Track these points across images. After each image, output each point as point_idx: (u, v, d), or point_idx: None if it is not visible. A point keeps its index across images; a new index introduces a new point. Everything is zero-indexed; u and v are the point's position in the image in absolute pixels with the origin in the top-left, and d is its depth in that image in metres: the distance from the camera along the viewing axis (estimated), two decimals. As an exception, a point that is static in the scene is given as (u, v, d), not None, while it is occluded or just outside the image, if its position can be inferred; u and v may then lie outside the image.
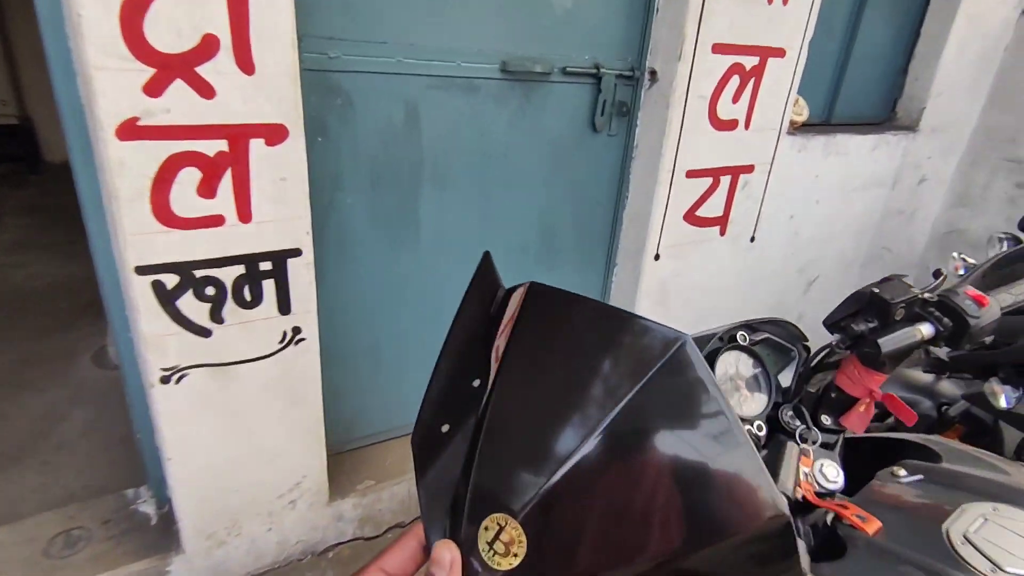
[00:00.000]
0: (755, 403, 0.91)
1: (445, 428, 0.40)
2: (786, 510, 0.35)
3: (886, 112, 2.85)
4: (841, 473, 0.85)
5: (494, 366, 0.40)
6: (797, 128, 2.32)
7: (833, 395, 0.91)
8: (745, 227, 2.33)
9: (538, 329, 0.40)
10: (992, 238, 2.46)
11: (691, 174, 2.05)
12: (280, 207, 1.32)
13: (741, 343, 0.90)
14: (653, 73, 1.91)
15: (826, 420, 0.91)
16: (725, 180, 2.16)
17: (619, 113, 1.96)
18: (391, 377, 1.91)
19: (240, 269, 1.32)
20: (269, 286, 1.37)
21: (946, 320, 0.86)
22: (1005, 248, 2.33)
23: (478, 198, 1.81)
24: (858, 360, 0.87)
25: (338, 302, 1.66)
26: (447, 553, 0.36)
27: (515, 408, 0.38)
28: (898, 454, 0.90)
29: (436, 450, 0.40)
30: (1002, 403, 1.57)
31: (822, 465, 0.86)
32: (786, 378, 0.97)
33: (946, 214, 3.15)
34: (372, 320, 1.78)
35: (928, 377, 2.01)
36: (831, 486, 0.84)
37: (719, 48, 1.88)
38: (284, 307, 1.42)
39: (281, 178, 1.30)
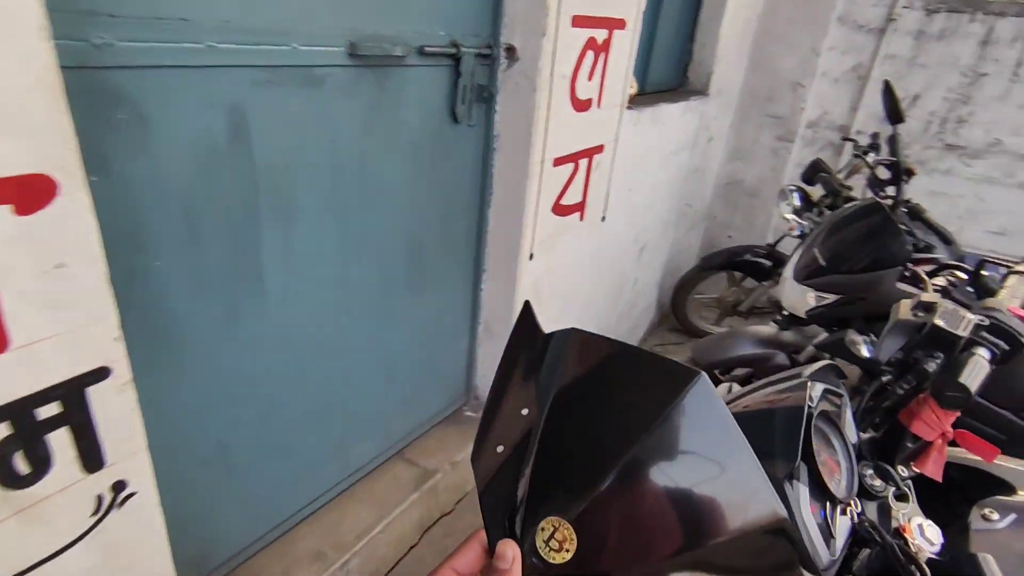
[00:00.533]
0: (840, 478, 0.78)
1: (500, 449, 0.48)
2: (783, 513, 0.42)
3: (679, 79, 3.02)
4: (939, 532, 0.76)
5: (541, 398, 0.47)
6: (631, 102, 2.28)
7: (910, 444, 0.81)
8: (597, 208, 2.25)
9: (579, 368, 0.48)
10: (784, 191, 2.77)
11: (557, 162, 1.86)
12: (61, 312, 0.78)
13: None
14: (511, 50, 1.64)
15: (902, 471, 0.81)
16: (583, 164, 2.02)
17: (479, 99, 1.66)
18: (250, 477, 1.41)
19: (1, 429, 0.76)
20: (60, 439, 0.83)
21: (1002, 344, 0.81)
22: (797, 202, 2.65)
23: (333, 228, 1.38)
24: (935, 402, 0.78)
25: (162, 411, 1.12)
26: (509, 551, 0.43)
27: (563, 432, 0.46)
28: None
29: (492, 467, 0.48)
30: (864, 352, 1.73)
31: (920, 527, 0.76)
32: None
33: (726, 168, 3.52)
34: (213, 417, 1.27)
35: (771, 328, 2.19)
36: (933, 549, 0.74)
37: (578, 21, 1.69)
38: (92, 461, 0.88)
39: (56, 264, 0.75)
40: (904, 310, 0.87)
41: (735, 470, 0.42)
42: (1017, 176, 2.95)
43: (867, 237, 1.76)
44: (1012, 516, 0.77)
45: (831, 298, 1.84)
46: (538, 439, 0.45)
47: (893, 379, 0.84)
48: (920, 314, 0.83)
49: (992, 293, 1.55)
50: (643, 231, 2.82)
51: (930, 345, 0.78)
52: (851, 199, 2.57)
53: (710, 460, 0.43)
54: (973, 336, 0.82)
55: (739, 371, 2.27)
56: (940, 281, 1.70)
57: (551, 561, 0.43)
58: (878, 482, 0.81)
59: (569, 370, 0.48)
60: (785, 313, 2.10)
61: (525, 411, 0.48)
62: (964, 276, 1.64)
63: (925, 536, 0.76)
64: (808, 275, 1.87)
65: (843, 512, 0.74)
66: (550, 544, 0.43)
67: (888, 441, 0.82)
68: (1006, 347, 0.81)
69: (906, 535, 0.76)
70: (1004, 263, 1.82)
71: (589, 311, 2.52)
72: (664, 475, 0.42)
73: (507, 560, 0.43)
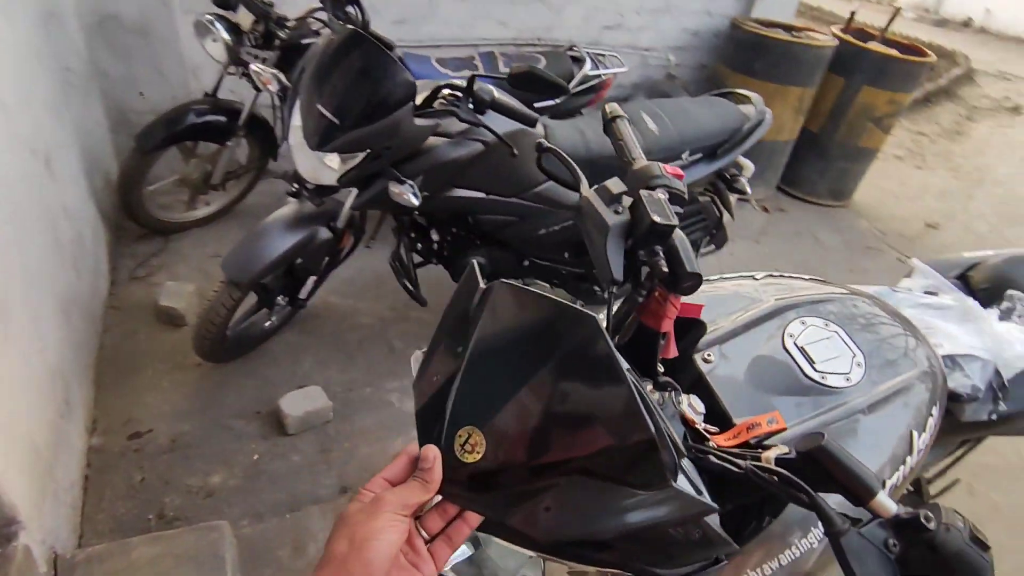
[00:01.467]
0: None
1: (435, 378, 0.60)
2: (651, 434, 0.51)
3: None
4: (698, 400, 0.81)
5: (470, 338, 0.58)
6: None
7: (662, 341, 0.78)
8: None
9: (500, 312, 0.58)
10: (200, 23, 2.19)
11: None
12: None
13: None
14: None
15: (660, 367, 0.79)
16: None
17: None
18: None
19: None
20: None
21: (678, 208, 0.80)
22: (225, 34, 2.14)
23: None
24: (672, 295, 0.75)
25: None
26: (431, 453, 0.55)
27: (483, 363, 0.57)
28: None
29: (428, 392, 0.60)
30: (412, 200, 1.68)
31: (688, 400, 0.79)
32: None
33: (86, 1, 2.49)
34: None
35: (294, 206, 1.90)
36: (700, 416, 0.79)
37: None
38: None
39: None
40: (594, 209, 0.76)
41: (613, 394, 0.52)
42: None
43: (363, 77, 1.55)
44: (716, 348, 0.87)
45: (358, 156, 1.64)
46: (463, 368, 0.57)
47: (632, 288, 0.77)
48: (617, 210, 0.74)
49: (484, 104, 1.64)
50: (36, 132, 1.83)
51: (649, 242, 0.72)
52: (285, 21, 2.22)
53: (595, 387, 0.53)
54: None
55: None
56: (442, 104, 1.69)
57: (465, 460, 0.54)
58: (648, 387, 0.77)
59: (492, 314, 0.58)
60: (309, 185, 1.79)
61: (459, 349, 0.59)
62: (459, 93, 1.67)
63: (693, 407, 0.79)
64: (323, 139, 1.58)
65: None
66: (464, 448, 0.54)
67: (639, 347, 0.78)
68: (680, 209, 0.81)
69: (689, 422, 0.77)
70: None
71: (34, 282, 1.60)
72: (557, 398, 0.53)
73: (429, 461, 0.54)
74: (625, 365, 0.54)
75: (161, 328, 2.25)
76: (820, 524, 0.57)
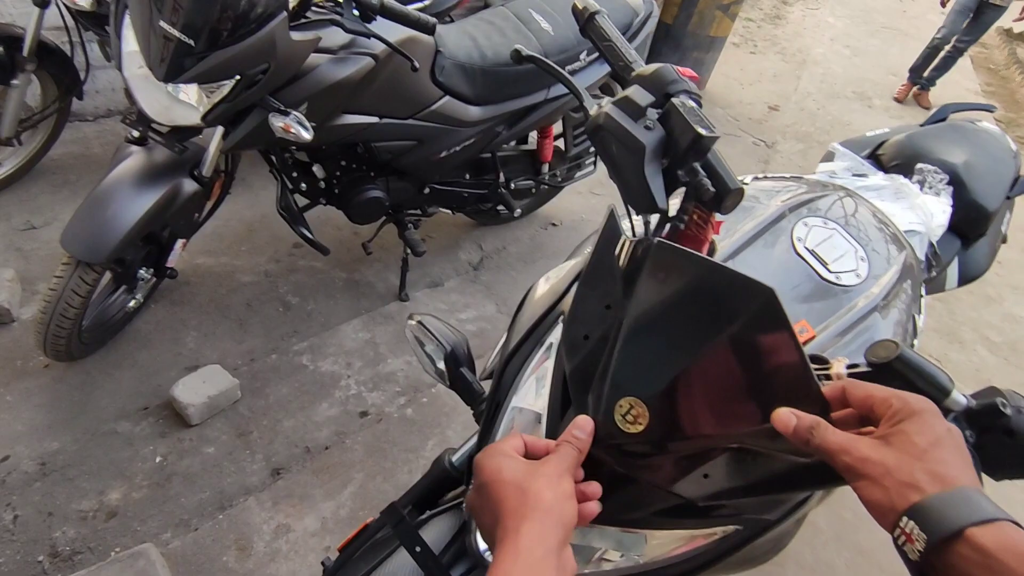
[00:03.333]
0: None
1: (585, 338, 0.56)
2: (823, 407, 0.49)
3: None
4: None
5: (626, 298, 0.54)
6: None
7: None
8: None
9: (662, 275, 0.53)
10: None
11: None
12: None
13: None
14: None
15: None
16: None
17: None
18: None
19: None
20: None
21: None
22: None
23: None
24: (711, 214, 0.67)
25: None
26: (588, 424, 0.52)
27: (643, 330, 0.53)
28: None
29: (579, 352, 0.57)
30: (304, 135, 1.42)
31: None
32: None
33: None
34: None
35: (142, 156, 1.53)
36: None
37: None
38: None
39: None
40: (623, 129, 0.63)
41: (788, 369, 0.48)
42: None
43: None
44: (731, 263, 0.82)
45: (225, 86, 1.31)
46: (623, 335, 0.53)
47: (673, 213, 0.66)
48: (647, 125, 0.62)
49: (372, 9, 1.37)
50: None
51: (687, 160, 0.61)
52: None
53: (769, 361, 0.49)
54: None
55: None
56: (319, 12, 1.39)
57: (626, 431, 0.52)
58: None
59: (652, 276, 0.53)
60: (161, 128, 1.43)
61: (608, 306, 0.58)
62: (340, -2, 1.38)
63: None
64: (174, 68, 1.23)
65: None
66: (627, 418, 0.52)
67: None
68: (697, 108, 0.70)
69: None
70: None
71: None
72: (728, 371, 0.50)
73: (585, 431, 0.52)
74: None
75: (-20, 331, 1.77)
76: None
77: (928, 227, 1.15)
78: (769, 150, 3.91)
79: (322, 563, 0.90)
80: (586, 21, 0.80)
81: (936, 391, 0.55)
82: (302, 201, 1.92)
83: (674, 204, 0.67)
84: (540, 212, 2.76)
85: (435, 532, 0.78)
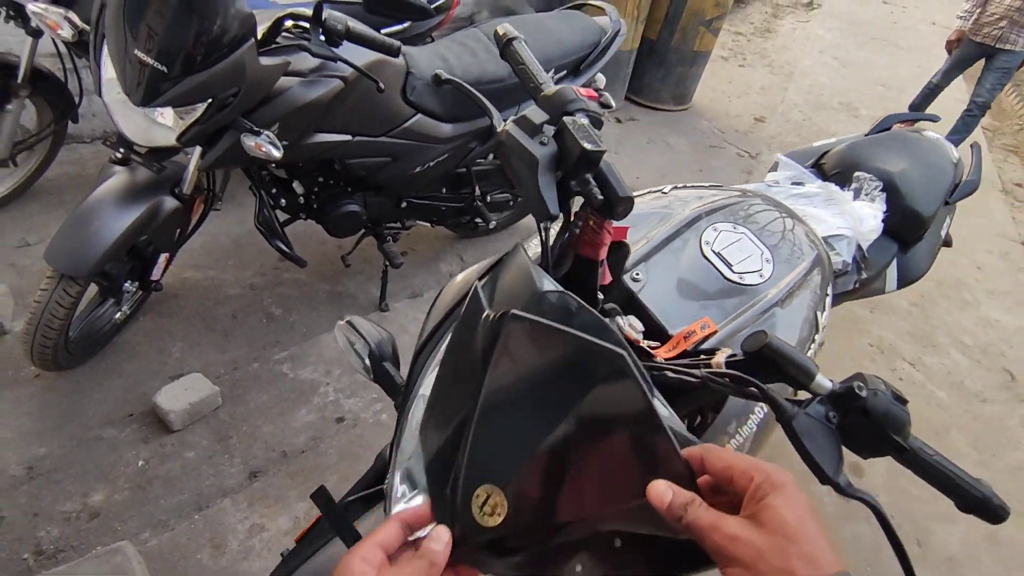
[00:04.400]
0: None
1: (445, 421, 0.53)
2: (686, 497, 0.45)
3: None
4: (636, 319, 0.83)
5: (481, 380, 0.50)
6: None
7: (600, 270, 0.77)
8: None
9: (515, 351, 0.50)
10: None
11: None
12: None
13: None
14: None
15: (600, 295, 0.79)
16: None
17: None
18: None
19: None
20: None
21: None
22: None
23: None
24: (606, 221, 0.74)
25: None
26: (444, 535, 0.47)
27: (499, 410, 0.49)
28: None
29: (439, 438, 0.53)
30: (274, 153, 1.50)
31: (628, 322, 0.81)
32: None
33: None
34: None
35: (123, 176, 1.61)
36: (641, 334, 0.82)
37: None
38: None
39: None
40: (519, 144, 0.70)
41: (648, 441, 0.46)
42: None
43: (187, 10, 1.28)
44: (642, 266, 0.89)
45: (198, 108, 1.40)
46: (475, 418, 0.49)
47: (566, 220, 0.73)
48: (542, 141, 0.69)
49: (338, 35, 1.46)
50: None
51: (579, 171, 0.68)
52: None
53: (626, 434, 0.47)
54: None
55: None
56: (288, 38, 1.49)
57: (484, 525, 0.47)
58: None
59: (505, 353, 0.50)
60: (141, 149, 1.52)
61: (470, 387, 0.51)
62: (307, 24, 1.47)
63: (633, 327, 0.81)
64: (150, 93, 1.32)
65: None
66: (484, 509, 0.47)
67: (577, 279, 0.76)
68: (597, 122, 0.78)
69: (634, 342, 0.79)
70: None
71: None
72: (586, 447, 0.47)
73: (441, 543, 0.47)
74: (663, 412, 0.49)
75: (-26, 342, 1.86)
76: (754, 413, 0.61)
77: (857, 231, 1.22)
78: (753, 160, 3.98)
79: (281, 554, 0.96)
80: (504, 46, 0.88)
81: (803, 376, 0.61)
82: (284, 216, 2.01)
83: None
84: (520, 225, 2.83)
85: (374, 521, 0.85)
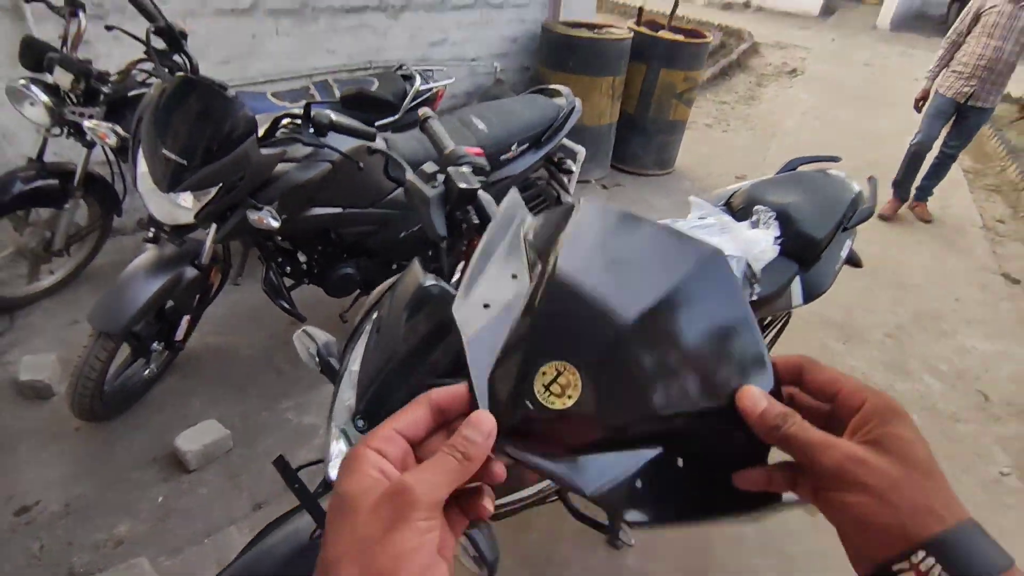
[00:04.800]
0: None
1: (486, 306, 0.47)
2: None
3: None
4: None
5: (541, 261, 0.48)
6: None
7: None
8: None
9: (589, 233, 0.48)
10: (13, 90, 2.16)
11: None
12: None
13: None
14: None
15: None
16: None
17: None
18: None
19: None
20: None
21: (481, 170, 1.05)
22: (44, 97, 2.12)
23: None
24: (478, 234, 0.99)
25: None
26: (485, 424, 0.38)
27: (568, 285, 0.44)
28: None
29: (479, 320, 0.46)
30: (272, 223, 1.82)
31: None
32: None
33: None
34: None
35: (155, 251, 1.95)
36: None
37: None
38: None
39: None
40: (417, 188, 0.98)
41: (739, 341, 0.43)
42: (210, 5, 3.09)
43: (203, 118, 1.66)
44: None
45: (211, 192, 1.74)
46: (543, 287, 0.44)
47: (451, 243, 1.00)
48: (434, 185, 0.97)
49: (324, 127, 1.81)
50: None
51: (461, 204, 0.95)
52: (107, 76, 2.24)
53: (715, 332, 0.43)
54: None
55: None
56: (284, 132, 1.85)
57: (549, 406, 0.41)
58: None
59: (579, 233, 0.48)
60: (167, 228, 1.86)
61: (514, 276, 0.49)
62: (299, 121, 1.83)
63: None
64: (173, 181, 1.67)
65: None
66: (551, 389, 0.41)
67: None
68: (484, 178, 1.06)
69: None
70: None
71: None
72: (668, 336, 0.43)
73: (482, 432, 0.38)
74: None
75: (27, 403, 2.16)
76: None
77: (747, 253, 1.45)
78: (734, 215, 4.24)
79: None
80: (422, 123, 1.19)
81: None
82: (290, 283, 2.32)
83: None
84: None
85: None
